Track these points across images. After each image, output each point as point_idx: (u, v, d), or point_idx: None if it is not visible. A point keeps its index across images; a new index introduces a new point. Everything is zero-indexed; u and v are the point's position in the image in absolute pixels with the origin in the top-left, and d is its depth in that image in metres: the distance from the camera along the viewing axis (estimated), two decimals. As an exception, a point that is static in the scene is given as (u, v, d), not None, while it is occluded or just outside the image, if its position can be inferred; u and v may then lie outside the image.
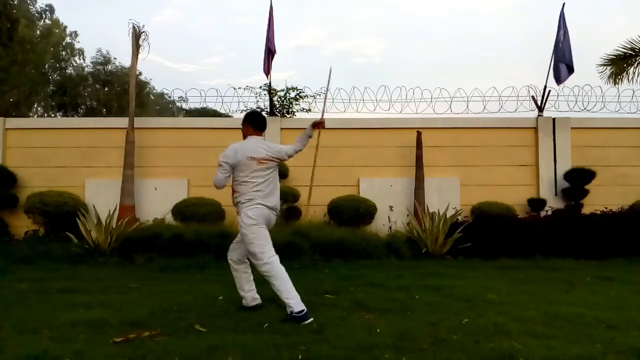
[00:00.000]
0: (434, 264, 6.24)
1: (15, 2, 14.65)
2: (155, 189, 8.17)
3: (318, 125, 4.07)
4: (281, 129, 8.28)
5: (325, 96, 4.68)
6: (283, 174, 7.61)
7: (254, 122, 3.95)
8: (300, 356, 2.75)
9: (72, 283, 4.93)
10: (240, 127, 4.00)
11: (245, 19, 50.82)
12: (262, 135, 4.00)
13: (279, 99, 9.66)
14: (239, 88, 10.86)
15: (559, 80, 8.37)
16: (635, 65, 7.90)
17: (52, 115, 20.34)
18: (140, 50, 8.19)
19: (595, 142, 8.38)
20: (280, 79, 27.36)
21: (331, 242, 6.62)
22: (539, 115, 8.53)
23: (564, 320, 3.52)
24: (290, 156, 3.91)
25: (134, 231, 6.93)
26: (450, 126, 8.42)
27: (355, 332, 3.21)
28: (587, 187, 7.98)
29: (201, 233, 6.74)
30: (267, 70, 8.48)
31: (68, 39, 21.19)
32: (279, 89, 9.68)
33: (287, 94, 9.84)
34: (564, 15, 8.48)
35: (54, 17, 19.51)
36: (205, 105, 9.34)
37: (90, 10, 41.18)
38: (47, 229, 7.64)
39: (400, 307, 3.91)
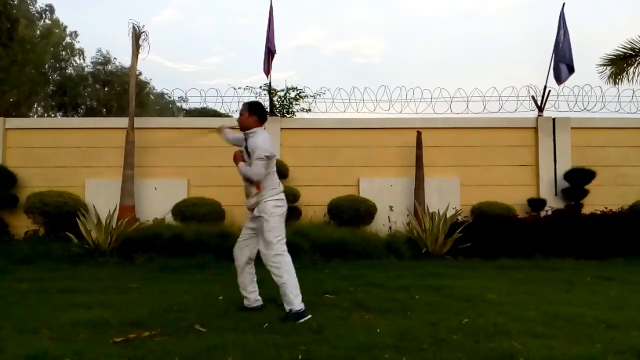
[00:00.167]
0: (434, 264, 6.25)
1: (15, 2, 14.64)
2: (155, 189, 8.17)
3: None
4: (281, 129, 8.29)
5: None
6: (283, 174, 7.60)
7: (262, 116, 3.95)
8: (300, 356, 2.75)
9: (72, 283, 4.93)
10: (242, 115, 3.90)
11: (245, 19, 50.84)
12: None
13: (279, 99, 9.66)
14: (239, 88, 10.86)
15: (559, 80, 8.37)
16: (635, 65, 7.90)
17: (52, 115, 20.34)
18: (140, 50, 8.19)
19: (595, 142, 8.38)
20: (280, 78, 27.38)
21: (331, 242, 6.62)
22: (539, 115, 8.53)
23: (564, 320, 3.52)
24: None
25: (134, 231, 6.93)
26: (450, 126, 8.42)
27: (355, 332, 3.21)
28: (587, 187, 7.97)
29: (201, 233, 6.74)
30: (267, 70, 8.48)
31: (68, 39, 21.18)
32: (279, 89, 9.67)
33: (287, 94, 9.82)
34: (564, 15, 8.48)
35: (54, 17, 19.50)
36: (205, 105, 9.34)
37: (90, 10, 41.21)
38: (47, 229, 7.64)
39: (400, 307, 3.91)
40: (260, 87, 9.80)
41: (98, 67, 21.23)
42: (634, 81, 7.99)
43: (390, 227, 7.97)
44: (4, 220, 7.92)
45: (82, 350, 2.79)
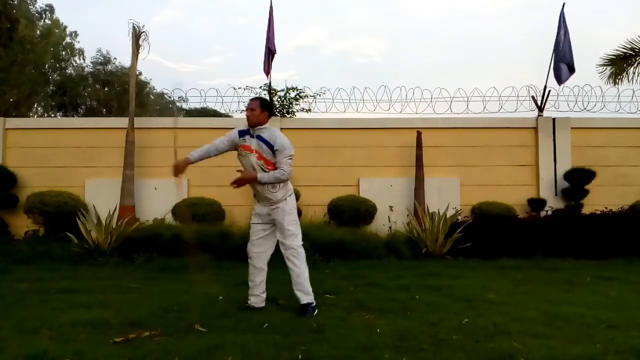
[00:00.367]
0: (434, 264, 6.25)
1: (15, 2, 14.63)
2: (155, 189, 8.16)
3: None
4: (281, 129, 8.27)
5: None
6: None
7: (271, 113, 4.09)
8: (300, 356, 2.75)
9: (72, 283, 4.94)
10: (254, 111, 3.86)
11: (245, 19, 50.81)
12: None
13: (279, 99, 9.66)
14: (239, 88, 10.86)
15: (560, 80, 8.36)
16: (635, 65, 7.90)
17: (52, 115, 20.33)
18: (140, 50, 8.18)
19: (595, 142, 8.38)
20: (280, 78, 27.36)
21: (331, 242, 6.62)
22: (539, 115, 8.53)
23: (564, 320, 3.53)
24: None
25: (134, 231, 6.93)
26: (450, 126, 8.42)
27: (355, 332, 3.21)
28: (587, 187, 7.97)
29: (201, 233, 6.74)
30: (267, 70, 8.48)
31: (68, 39, 21.16)
32: (279, 89, 9.67)
33: (287, 94, 9.83)
34: (564, 15, 8.48)
35: (54, 17, 19.49)
36: (205, 105, 9.34)
37: (90, 10, 41.20)
38: (47, 229, 7.63)
39: (400, 307, 3.91)
40: (260, 87, 9.81)
41: (98, 67, 21.22)
42: (634, 81, 7.99)
43: (390, 227, 7.97)
44: (4, 220, 7.92)
45: (82, 350, 2.79)
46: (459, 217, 7.42)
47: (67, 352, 2.75)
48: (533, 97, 8.58)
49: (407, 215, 7.82)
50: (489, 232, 7.04)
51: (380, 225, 7.90)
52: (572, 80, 8.38)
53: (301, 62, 46.43)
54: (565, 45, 8.33)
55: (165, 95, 21.16)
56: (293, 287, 3.91)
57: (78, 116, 20.01)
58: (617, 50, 7.92)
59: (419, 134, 7.98)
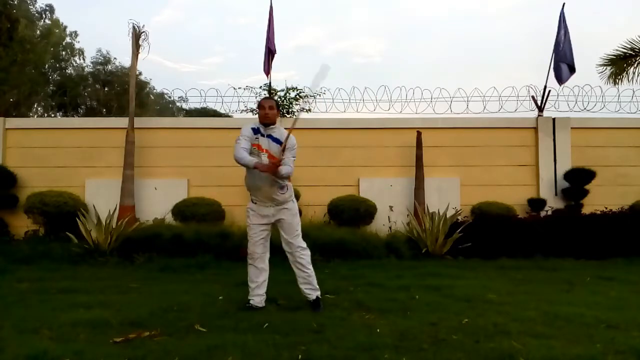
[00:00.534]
0: (434, 264, 6.25)
1: (15, 2, 14.63)
2: (155, 189, 8.16)
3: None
4: (281, 129, 8.28)
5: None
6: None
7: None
8: (300, 356, 2.75)
9: (72, 283, 4.93)
10: (272, 110, 3.91)
11: (245, 19, 50.80)
12: None
13: (279, 99, 9.66)
14: (239, 88, 10.83)
15: (560, 80, 8.36)
16: (635, 65, 7.90)
17: (52, 115, 20.33)
18: (140, 50, 8.19)
19: (595, 142, 8.38)
20: (280, 78, 27.40)
21: (331, 242, 6.62)
22: (539, 115, 8.53)
23: (564, 320, 3.52)
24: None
25: (134, 231, 6.93)
26: (450, 126, 8.42)
27: (355, 332, 3.21)
28: (587, 187, 7.97)
29: (201, 233, 6.74)
30: (267, 70, 8.49)
31: (68, 39, 21.15)
32: (279, 89, 9.68)
33: (287, 94, 9.83)
34: (564, 15, 8.48)
35: (54, 17, 19.48)
36: (205, 105, 9.35)
37: (90, 10, 41.17)
38: (47, 229, 7.63)
39: (400, 307, 3.91)
40: (260, 87, 9.81)
41: (98, 67, 21.21)
42: (634, 81, 7.99)
43: (390, 227, 7.97)
44: (4, 220, 7.92)
45: (82, 350, 2.79)
46: (459, 217, 7.42)
47: (67, 352, 2.75)
48: (533, 97, 8.59)
49: (407, 215, 7.82)
50: (489, 232, 7.04)
51: (380, 225, 7.90)
52: (572, 80, 8.41)
53: (301, 62, 46.45)
54: (565, 45, 8.33)
55: (165, 95, 21.15)
56: (301, 286, 3.94)
57: (78, 116, 20.01)
58: (617, 50, 7.93)
59: (419, 134, 7.98)
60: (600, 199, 7.95)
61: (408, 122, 8.35)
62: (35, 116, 19.21)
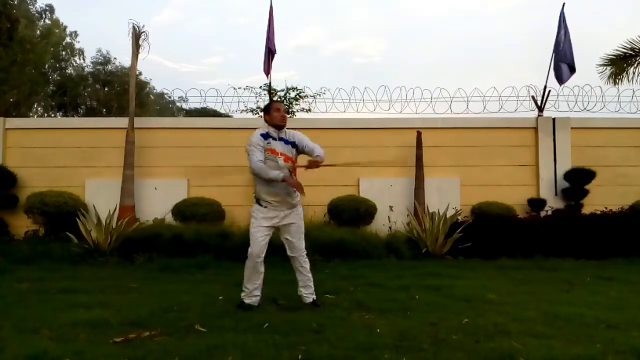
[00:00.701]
0: (434, 264, 6.25)
1: (15, 2, 14.64)
2: (155, 189, 8.16)
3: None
4: (281, 129, 8.28)
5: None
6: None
7: None
8: (300, 356, 2.75)
9: (72, 283, 4.93)
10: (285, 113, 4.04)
11: (245, 19, 50.79)
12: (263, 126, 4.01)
13: (279, 99, 9.66)
14: (239, 88, 10.87)
15: (561, 80, 8.36)
16: (635, 65, 7.90)
17: (52, 115, 20.34)
18: (140, 50, 8.19)
19: (595, 142, 8.38)
20: (280, 78, 27.34)
21: (331, 242, 6.62)
22: (539, 115, 8.53)
23: (564, 320, 3.52)
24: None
25: (134, 231, 6.93)
26: (450, 126, 8.42)
27: (355, 332, 3.21)
28: (587, 187, 7.97)
29: (201, 233, 6.74)
30: (267, 70, 8.49)
31: (68, 39, 21.16)
32: (279, 89, 9.69)
33: (287, 94, 9.85)
34: (564, 15, 8.48)
35: (54, 17, 19.49)
36: (205, 105, 9.36)
37: (90, 10, 41.21)
38: (47, 229, 7.63)
39: (400, 307, 3.91)
40: (260, 87, 9.84)
41: (98, 67, 21.22)
42: (634, 81, 7.99)
43: (390, 227, 7.96)
44: (4, 220, 7.92)
45: (82, 350, 2.79)
46: (459, 217, 7.42)
47: (67, 352, 2.75)
48: (533, 97, 8.59)
49: (407, 215, 7.82)
50: (489, 232, 7.04)
51: (380, 225, 7.90)
52: (572, 80, 8.41)
53: (301, 62, 46.44)
54: (565, 45, 8.33)
55: (165, 95, 21.17)
56: (302, 289, 3.97)
57: (78, 116, 20.01)
58: (617, 50, 7.92)
59: (419, 134, 7.98)
60: (600, 199, 7.95)
61: (408, 122, 8.35)
62: (35, 116, 19.21)
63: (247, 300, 3.90)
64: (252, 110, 10.62)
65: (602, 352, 2.81)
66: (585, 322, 3.46)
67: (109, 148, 8.25)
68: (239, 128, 8.46)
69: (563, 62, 8.32)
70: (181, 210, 7.59)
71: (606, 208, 7.55)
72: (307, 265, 3.98)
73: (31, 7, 17.47)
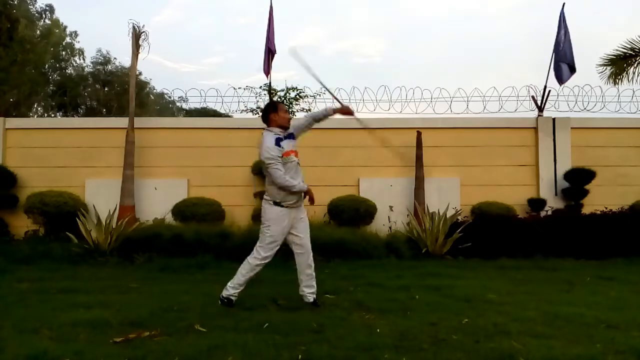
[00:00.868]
0: (434, 264, 6.24)
1: (15, 2, 14.64)
2: (155, 189, 8.16)
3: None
4: (281, 129, 8.28)
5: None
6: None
7: None
8: (300, 356, 2.75)
9: (72, 283, 4.93)
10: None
11: (245, 19, 50.78)
12: (265, 128, 4.06)
13: (279, 99, 9.66)
14: (239, 88, 10.86)
15: (561, 80, 8.35)
16: (635, 65, 7.89)
17: (52, 115, 20.34)
18: (140, 50, 8.19)
19: (595, 142, 8.38)
20: (280, 78, 27.27)
21: (331, 242, 6.61)
22: (539, 115, 8.53)
23: (564, 320, 3.52)
24: (262, 157, 3.88)
25: (134, 231, 6.93)
26: (450, 126, 8.42)
27: (355, 332, 3.21)
28: (587, 187, 7.97)
29: (201, 233, 6.74)
30: (267, 70, 8.49)
31: (68, 39, 21.17)
32: (279, 89, 9.69)
33: (287, 94, 9.85)
34: (564, 15, 8.48)
35: (54, 17, 19.50)
36: (205, 105, 9.36)
37: (90, 10, 41.22)
38: (47, 229, 7.63)
39: (400, 307, 3.91)
40: (260, 87, 9.84)
41: (98, 67, 21.23)
42: (634, 81, 7.98)
43: (390, 227, 7.96)
44: (4, 220, 7.92)
45: (82, 350, 2.79)
46: (459, 217, 7.42)
47: (67, 352, 2.75)
48: (533, 97, 8.58)
49: (407, 215, 7.82)
50: (489, 232, 7.03)
51: (380, 225, 7.90)
52: (572, 80, 8.40)
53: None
54: (565, 45, 8.33)
55: (165, 95, 21.18)
56: (305, 289, 3.96)
57: (78, 116, 20.01)
58: (617, 50, 7.92)
59: (419, 134, 7.98)
60: (600, 199, 7.95)
61: (408, 122, 8.35)
62: (35, 116, 19.22)
63: (232, 297, 3.91)
64: (252, 110, 10.62)
65: (602, 352, 2.81)
66: (585, 322, 3.46)
67: (109, 148, 8.25)
68: (239, 128, 8.47)
69: (563, 62, 8.32)
70: (181, 210, 7.59)
71: (606, 208, 7.55)
72: (313, 265, 3.99)
73: (31, 7, 17.47)
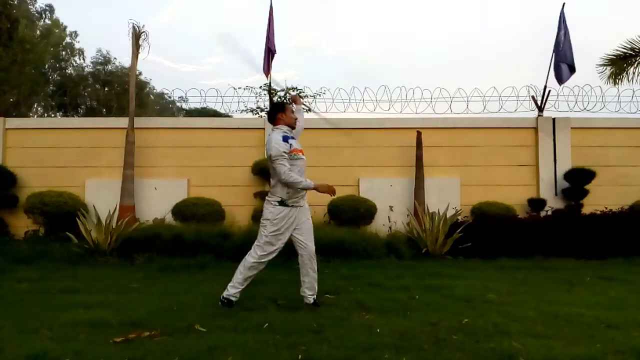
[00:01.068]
0: (434, 264, 6.24)
1: (15, 2, 14.63)
2: (155, 189, 8.16)
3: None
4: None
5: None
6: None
7: None
8: (300, 356, 2.75)
9: (72, 283, 4.93)
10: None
11: (245, 19, 50.78)
12: (272, 127, 4.11)
13: (279, 99, 9.66)
14: (239, 88, 10.87)
15: (561, 80, 8.36)
16: (635, 65, 7.89)
17: (52, 115, 20.34)
18: (140, 50, 8.19)
19: (595, 142, 8.38)
20: (280, 78, 27.36)
21: (331, 242, 6.61)
22: (539, 115, 8.53)
23: (564, 320, 3.52)
24: (269, 153, 3.87)
25: (134, 231, 6.93)
26: (450, 126, 8.42)
27: (355, 332, 3.21)
28: (587, 187, 7.97)
29: (201, 233, 6.74)
30: (267, 70, 8.49)
31: (68, 39, 21.18)
32: (278, 89, 9.68)
33: (287, 94, 9.83)
34: (564, 15, 8.48)
35: (54, 17, 19.52)
36: (205, 105, 9.36)
37: (90, 10, 41.22)
38: (47, 229, 7.64)
39: (400, 307, 3.91)
40: (260, 87, 9.83)
41: (98, 67, 21.22)
42: (634, 81, 7.98)
43: (390, 227, 7.96)
44: (4, 220, 7.92)
45: (82, 350, 2.79)
46: (459, 217, 7.41)
47: (67, 352, 2.75)
48: (533, 97, 8.58)
49: (407, 215, 7.82)
50: (489, 232, 7.03)
51: (380, 225, 7.90)
52: (572, 80, 8.40)
53: (301, 62, 46.43)
54: (565, 45, 8.33)
55: (165, 95, 21.17)
56: (306, 291, 3.95)
57: (78, 116, 20.01)
58: (617, 50, 7.92)
59: (419, 134, 7.98)
60: (600, 199, 7.95)
61: (408, 122, 8.35)
62: (35, 116, 19.22)
63: (231, 298, 3.89)
64: (252, 110, 10.63)
65: (602, 352, 2.82)
66: (585, 322, 3.46)
67: (109, 148, 8.26)
68: (239, 128, 8.47)
69: (563, 62, 8.32)
70: (181, 210, 7.59)
71: (606, 208, 7.55)
72: (316, 266, 3.98)
73: (31, 7, 17.49)
